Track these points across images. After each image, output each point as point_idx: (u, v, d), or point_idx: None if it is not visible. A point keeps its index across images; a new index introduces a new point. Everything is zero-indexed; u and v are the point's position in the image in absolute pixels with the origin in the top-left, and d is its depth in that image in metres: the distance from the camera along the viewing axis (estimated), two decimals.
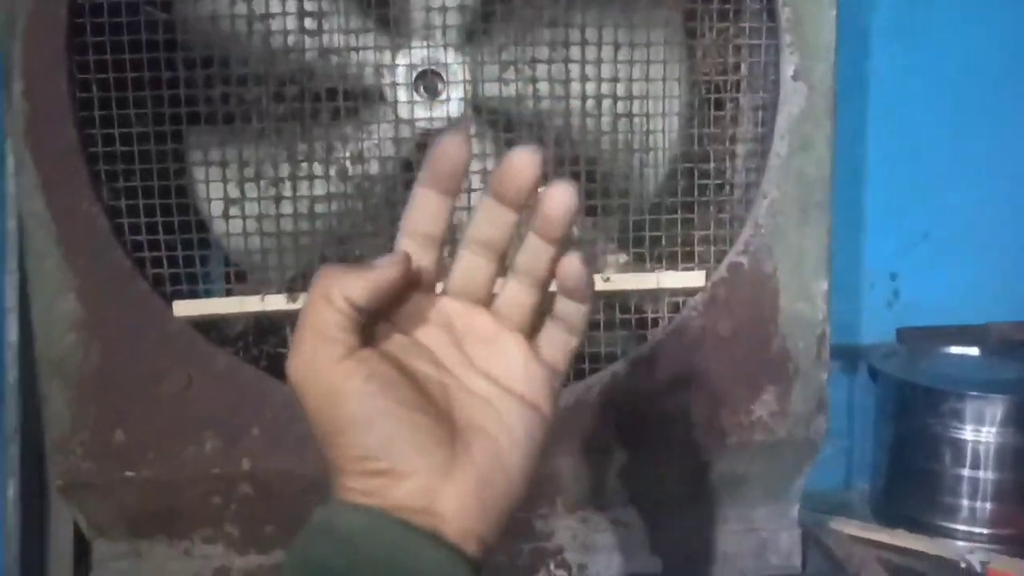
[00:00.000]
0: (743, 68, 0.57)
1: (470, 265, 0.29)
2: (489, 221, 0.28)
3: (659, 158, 0.55)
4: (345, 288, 0.27)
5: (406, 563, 0.26)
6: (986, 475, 0.91)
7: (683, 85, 0.54)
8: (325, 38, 0.50)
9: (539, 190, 0.28)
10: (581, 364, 0.55)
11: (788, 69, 0.52)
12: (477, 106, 0.54)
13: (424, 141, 0.53)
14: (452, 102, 0.53)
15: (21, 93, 0.49)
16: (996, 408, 0.89)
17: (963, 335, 1.08)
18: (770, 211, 0.53)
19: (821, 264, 0.54)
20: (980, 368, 1.00)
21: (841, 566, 0.78)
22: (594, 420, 0.56)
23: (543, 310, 0.30)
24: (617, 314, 0.56)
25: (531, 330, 0.30)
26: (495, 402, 0.28)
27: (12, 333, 0.58)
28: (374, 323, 0.28)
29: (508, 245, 0.29)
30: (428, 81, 0.53)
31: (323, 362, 0.27)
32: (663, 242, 0.55)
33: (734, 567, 0.61)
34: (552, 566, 0.61)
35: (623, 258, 0.58)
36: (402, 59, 0.52)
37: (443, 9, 0.51)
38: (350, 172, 0.51)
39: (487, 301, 0.30)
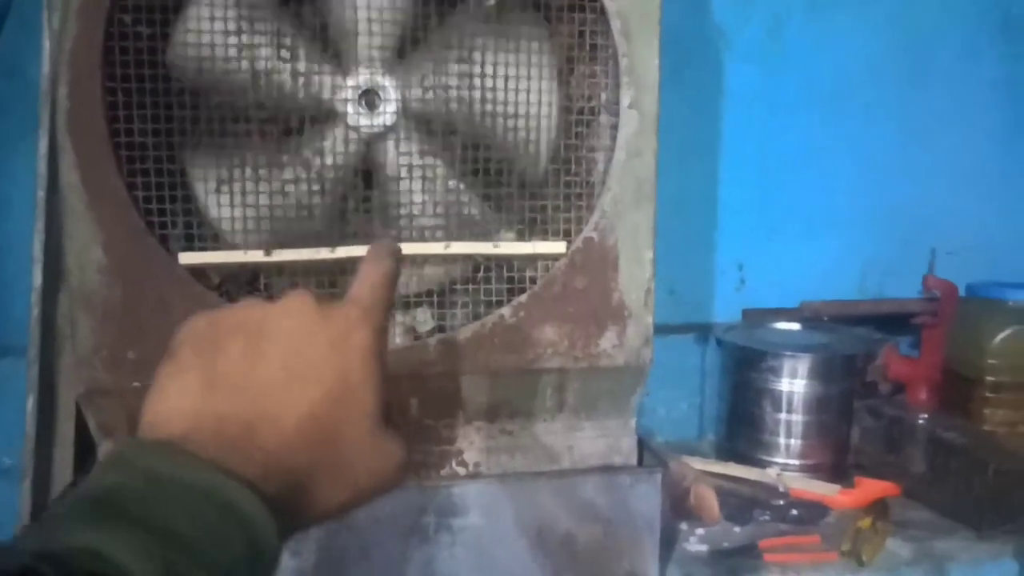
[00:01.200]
0: (602, 97, 0.80)
1: None
2: None
3: (539, 161, 0.76)
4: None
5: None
6: (796, 418, 1.16)
7: (556, 109, 0.76)
8: (295, 66, 0.69)
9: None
10: (478, 308, 0.76)
11: (625, 100, 0.74)
12: (406, 113, 0.74)
13: (368, 141, 0.72)
14: (387, 114, 0.73)
15: (66, 95, 0.66)
16: (803, 364, 1.15)
17: (792, 313, 1.34)
18: (612, 200, 0.76)
19: (648, 239, 0.77)
20: (797, 337, 1.26)
21: (678, 482, 1.02)
22: (487, 350, 0.76)
23: None
24: (505, 273, 0.77)
25: None
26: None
27: (37, 279, 0.74)
28: None
29: None
30: (369, 98, 0.73)
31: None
32: (538, 222, 0.76)
33: (588, 464, 0.82)
34: (454, 464, 0.81)
35: (510, 233, 0.79)
36: (350, 82, 0.72)
37: (381, 47, 0.71)
38: (313, 164, 0.70)
39: None
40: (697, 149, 1.34)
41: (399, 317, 0.80)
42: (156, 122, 0.69)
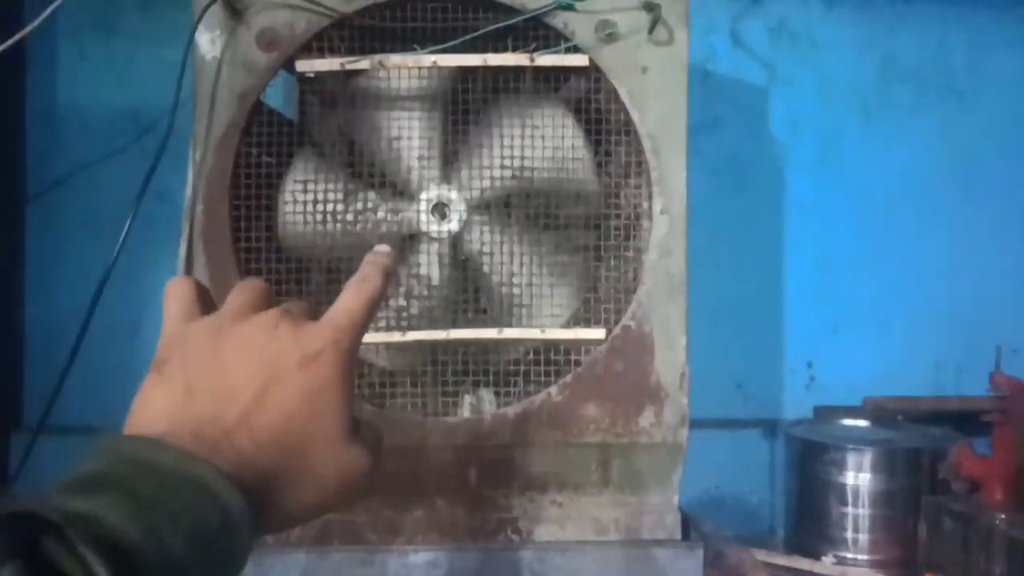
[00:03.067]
0: (642, 205, 0.91)
1: None
2: None
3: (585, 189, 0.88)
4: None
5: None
6: (861, 511, 1.18)
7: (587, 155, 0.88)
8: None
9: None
10: (528, 387, 0.87)
11: (657, 207, 0.86)
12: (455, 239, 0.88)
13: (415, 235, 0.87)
14: (454, 221, 0.87)
15: (201, 211, 0.84)
16: (867, 458, 1.18)
17: (862, 411, 1.37)
18: (647, 293, 0.86)
19: (680, 327, 0.86)
20: (864, 432, 1.28)
21: (735, 567, 1.06)
22: (535, 425, 0.86)
23: None
24: (552, 356, 0.88)
25: None
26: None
27: None
28: None
29: None
30: (438, 209, 0.88)
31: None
32: (582, 311, 0.87)
33: (633, 536, 0.89)
34: (509, 531, 0.90)
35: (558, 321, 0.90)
36: (424, 196, 0.87)
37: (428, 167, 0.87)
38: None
39: None
40: (761, 253, 1.42)
41: (467, 398, 0.91)
42: (270, 231, 0.85)
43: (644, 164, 0.87)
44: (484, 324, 0.87)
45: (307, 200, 0.84)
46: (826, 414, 1.38)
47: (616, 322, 0.86)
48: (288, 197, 0.85)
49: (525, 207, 0.88)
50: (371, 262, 0.42)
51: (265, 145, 0.86)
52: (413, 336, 0.83)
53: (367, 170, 0.88)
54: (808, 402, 1.42)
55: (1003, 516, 1.11)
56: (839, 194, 1.40)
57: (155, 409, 0.36)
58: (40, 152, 1.33)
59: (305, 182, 0.85)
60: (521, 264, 0.87)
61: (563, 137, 0.86)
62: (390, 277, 0.43)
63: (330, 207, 0.84)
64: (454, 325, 0.86)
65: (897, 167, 1.39)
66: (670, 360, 0.86)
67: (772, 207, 1.43)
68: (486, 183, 0.86)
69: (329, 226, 0.84)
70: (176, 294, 0.41)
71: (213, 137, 0.84)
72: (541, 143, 0.86)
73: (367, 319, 0.40)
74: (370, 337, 0.84)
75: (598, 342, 0.86)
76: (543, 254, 0.89)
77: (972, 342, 1.38)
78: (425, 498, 0.88)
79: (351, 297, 0.40)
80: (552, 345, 0.87)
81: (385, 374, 0.87)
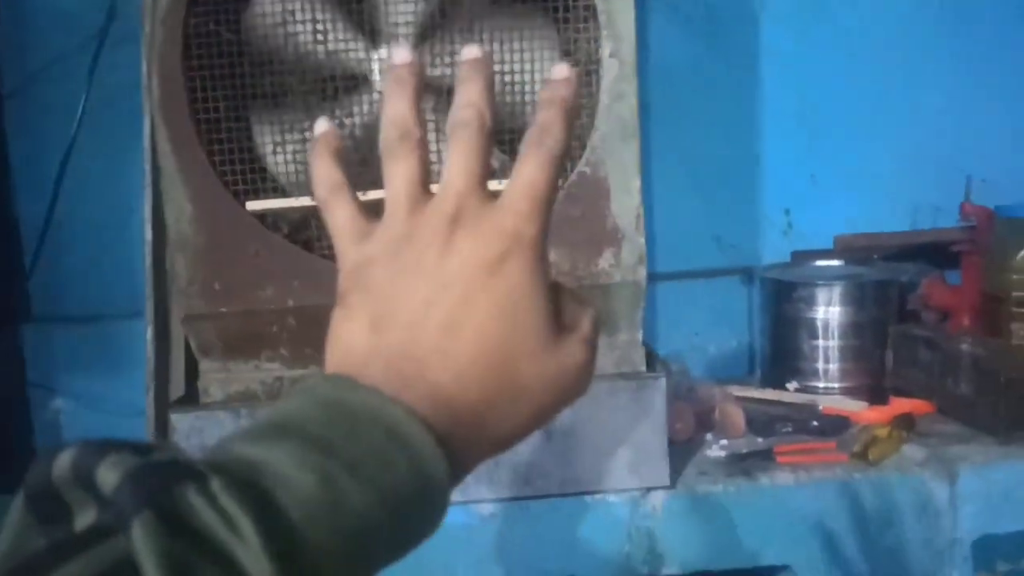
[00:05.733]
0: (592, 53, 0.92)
1: None
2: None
3: None
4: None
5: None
6: (831, 343, 1.23)
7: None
8: (331, 43, 0.86)
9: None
10: None
11: (606, 51, 0.86)
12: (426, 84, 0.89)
13: None
14: None
15: (157, 85, 0.85)
16: (836, 292, 1.22)
17: (834, 252, 1.40)
18: (600, 138, 0.88)
19: (634, 171, 0.88)
20: (835, 271, 1.32)
21: (705, 401, 1.12)
22: None
23: None
24: None
25: None
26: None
27: (148, 234, 0.95)
28: None
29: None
30: None
31: None
32: None
33: (601, 372, 0.95)
34: None
35: None
36: (376, 55, 0.88)
37: (406, 23, 0.87)
38: (345, 124, 0.87)
39: None
40: (739, 106, 1.42)
41: None
42: (228, 100, 0.87)
43: (592, 8, 0.87)
44: None
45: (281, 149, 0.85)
46: (802, 258, 1.41)
47: (572, 169, 0.89)
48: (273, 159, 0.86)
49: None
50: (548, 100, 0.35)
51: (214, 13, 0.87)
52: (373, 195, 0.86)
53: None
54: (786, 249, 1.45)
55: (969, 339, 1.15)
56: (820, 44, 1.38)
57: (344, 347, 0.34)
58: (12, 48, 1.33)
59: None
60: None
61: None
62: (573, 116, 0.35)
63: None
64: None
65: (881, 15, 1.37)
66: (626, 203, 0.89)
67: (750, 59, 1.41)
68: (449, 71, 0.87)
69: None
70: (335, 206, 0.37)
71: (160, 8, 0.84)
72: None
73: (552, 188, 0.35)
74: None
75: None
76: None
77: (950, 183, 1.39)
78: None
79: (530, 165, 0.34)
80: None
81: None
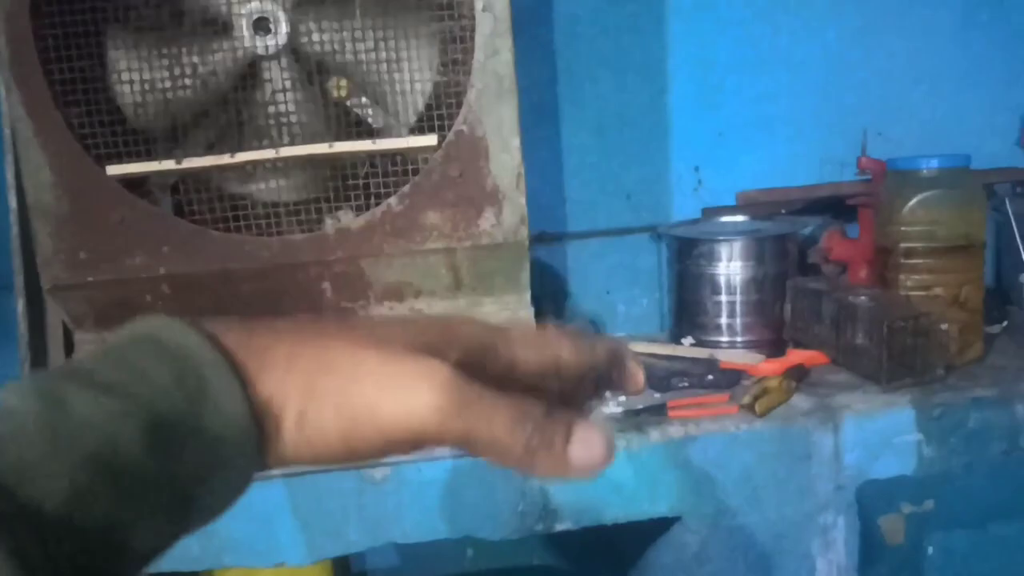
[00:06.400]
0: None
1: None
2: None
3: (416, 79, 0.87)
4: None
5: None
6: (732, 298, 1.24)
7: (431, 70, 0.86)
8: None
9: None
10: (369, 200, 0.88)
11: (479, 4, 0.84)
12: (293, 48, 0.86)
13: (253, 62, 0.85)
14: (278, 36, 0.85)
15: (5, 44, 0.81)
16: (735, 247, 1.23)
17: (737, 208, 1.41)
18: (477, 96, 0.86)
19: (513, 128, 0.87)
20: (738, 227, 1.33)
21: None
22: (380, 236, 0.89)
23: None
24: (389, 167, 0.89)
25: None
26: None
27: (13, 201, 0.91)
28: None
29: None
30: (261, 24, 0.85)
31: None
32: (412, 119, 0.87)
33: None
34: None
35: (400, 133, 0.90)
36: (243, 12, 0.84)
37: None
38: (198, 69, 0.84)
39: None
40: (644, 64, 1.41)
41: (327, 220, 0.93)
42: (84, 59, 0.83)
43: None
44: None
45: (135, 80, 0.82)
46: (709, 214, 1.42)
47: (449, 128, 0.87)
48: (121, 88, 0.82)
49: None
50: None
51: None
52: (242, 157, 0.83)
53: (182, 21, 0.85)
54: (696, 207, 1.46)
55: (861, 291, 1.17)
56: None
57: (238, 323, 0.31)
58: None
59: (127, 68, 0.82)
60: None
61: None
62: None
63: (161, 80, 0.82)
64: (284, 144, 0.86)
65: None
66: (505, 162, 0.88)
67: (654, 14, 1.40)
68: (317, 36, 0.84)
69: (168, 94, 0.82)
70: None
71: None
72: None
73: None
74: (207, 160, 0.84)
75: (432, 149, 0.87)
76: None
77: (854, 136, 1.40)
78: (285, 316, 0.91)
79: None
80: (388, 156, 0.88)
81: (226, 199, 0.88)
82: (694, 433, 0.99)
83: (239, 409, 0.27)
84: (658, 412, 1.03)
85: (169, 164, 0.82)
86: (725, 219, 1.37)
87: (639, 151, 1.44)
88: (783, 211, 1.40)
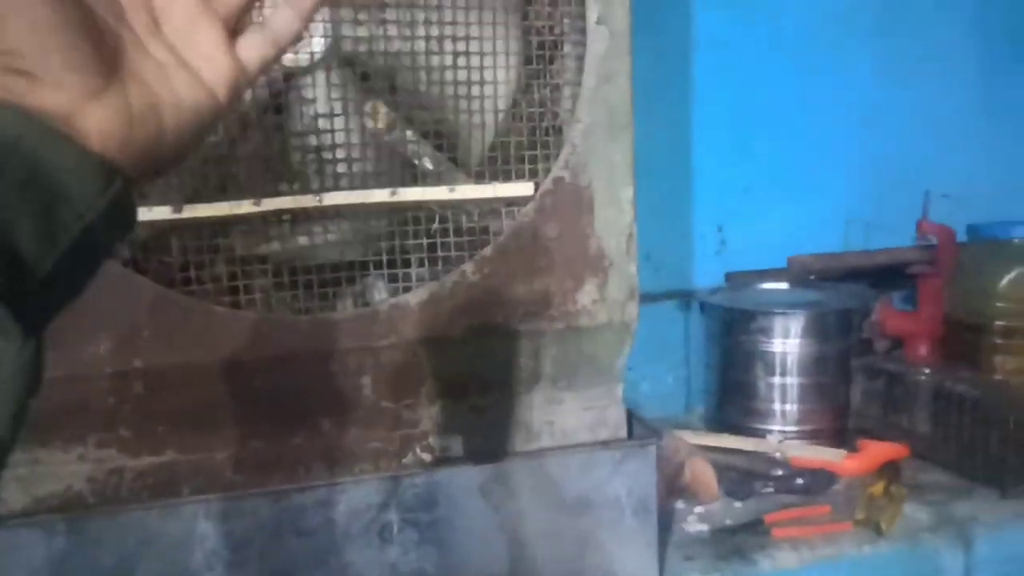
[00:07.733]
0: (565, 23, 0.69)
1: None
2: None
3: (497, 94, 0.66)
4: None
5: (36, 150, 0.26)
6: (791, 381, 1.07)
7: (515, 39, 0.65)
8: None
9: None
10: (435, 266, 0.65)
11: (592, 15, 0.64)
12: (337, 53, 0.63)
13: (290, 72, 0.61)
14: (314, 40, 0.62)
15: None
16: (796, 323, 1.06)
17: (779, 273, 1.25)
18: (583, 133, 0.65)
19: (626, 176, 0.67)
20: (785, 296, 1.17)
21: (670, 458, 0.92)
22: (448, 314, 0.66)
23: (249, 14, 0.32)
24: (465, 224, 0.66)
25: (235, 28, 0.32)
26: (168, 68, 0.30)
27: None
28: None
29: None
30: None
31: None
32: (499, 162, 0.66)
33: (571, 441, 0.72)
34: (418, 450, 0.70)
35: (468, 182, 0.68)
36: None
37: None
38: None
39: None
40: (668, 103, 1.25)
41: (350, 288, 0.69)
42: None
43: None
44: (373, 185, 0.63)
45: None
46: (739, 280, 1.26)
47: (545, 173, 0.66)
48: None
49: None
50: None
51: None
52: (271, 205, 0.59)
53: None
54: (719, 269, 1.29)
55: (929, 370, 1.03)
56: (752, 34, 1.24)
57: None
58: None
59: None
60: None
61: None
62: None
63: None
64: (327, 189, 0.62)
65: (818, 10, 1.24)
66: (614, 219, 0.68)
67: (680, 47, 1.24)
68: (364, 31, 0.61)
69: None
70: None
71: None
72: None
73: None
74: (221, 209, 0.58)
75: (524, 200, 0.65)
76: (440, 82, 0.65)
77: (893, 193, 1.28)
78: (306, 420, 0.66)
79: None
80: (463, 209, 0.66)
81: (237, 262, 0.63)
82: (809, 559, 0.80)
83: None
84: (756, 531, 0.83)
85: (163, 212, 0.57)
86: (765, 286, 1.21)
87: (660, 205, 1.26)
88: (812, 277, 1.25)
